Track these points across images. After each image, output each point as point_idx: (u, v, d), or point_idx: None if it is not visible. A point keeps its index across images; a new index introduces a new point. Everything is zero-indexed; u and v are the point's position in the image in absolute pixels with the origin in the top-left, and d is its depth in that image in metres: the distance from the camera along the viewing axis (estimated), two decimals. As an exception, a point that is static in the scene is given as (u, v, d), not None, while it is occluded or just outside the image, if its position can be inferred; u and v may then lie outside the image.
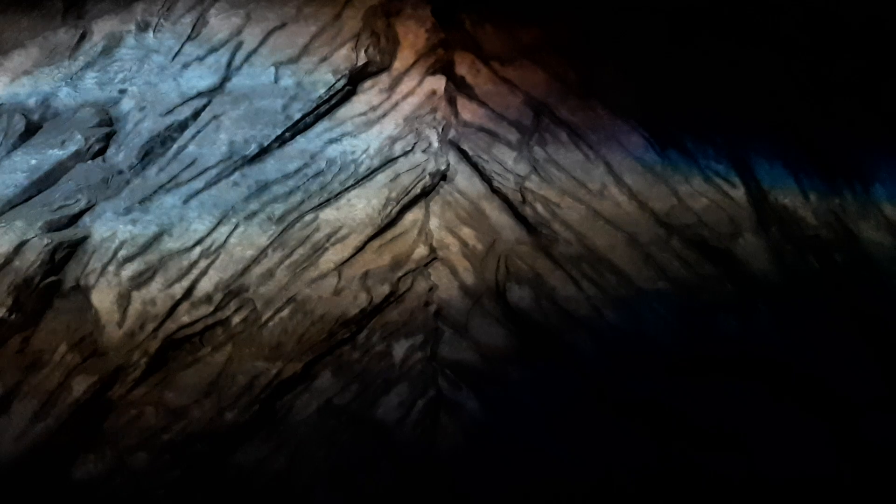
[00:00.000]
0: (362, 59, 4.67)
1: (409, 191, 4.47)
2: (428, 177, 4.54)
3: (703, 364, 4.02)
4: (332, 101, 4.63)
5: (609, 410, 3.95)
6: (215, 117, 4.45)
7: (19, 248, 3.71)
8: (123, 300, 3.82)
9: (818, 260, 4.41)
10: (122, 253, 3.92)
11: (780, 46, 5.16)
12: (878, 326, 4.15)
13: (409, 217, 4.47)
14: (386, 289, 4.19)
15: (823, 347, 4.05)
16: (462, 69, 4.99)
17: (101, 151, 4.34)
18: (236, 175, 4.30)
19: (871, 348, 4.07)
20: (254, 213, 4.19)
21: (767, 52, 5.14)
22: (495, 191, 4.60)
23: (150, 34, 4.77)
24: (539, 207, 4.51)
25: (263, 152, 4.40)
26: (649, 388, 3.95)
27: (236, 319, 3.98)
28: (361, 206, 4.36)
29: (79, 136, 4.28)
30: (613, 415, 3.91)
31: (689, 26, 5.20)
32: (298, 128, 4.52)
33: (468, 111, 4.83)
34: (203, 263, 4.01)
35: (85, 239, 3.95)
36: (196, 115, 4.48)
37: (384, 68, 4.81)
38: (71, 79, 4.62)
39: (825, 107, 5.06)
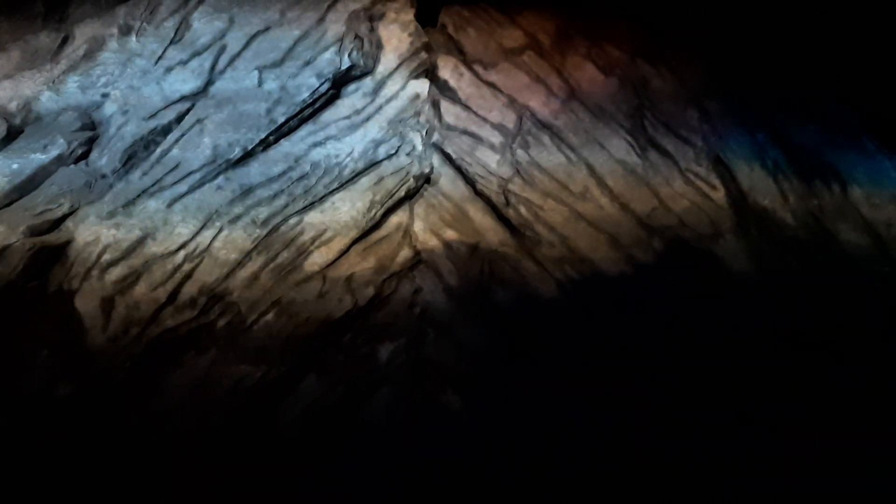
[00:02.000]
0: (346, 63, 4.68)
1: (394, 194, 4.48)
2: (412, 180, 4.56)
3: (685, 364, 4.06)
4: (316, 105, 4.64)
5: (592, 409, 3.97)
6: (199, 121, 4.45)
7: (1, 252, 3.69)
8: (107, 304, 3.81)
9: (797, 260, 4.46)
10: (106, 257, 3.91)
11: (759, 51, 5.23)
12: (857, 326, 4.20)
13: (394, 220, 4.49)
14: (370, 291, 4.19)
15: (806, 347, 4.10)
16: (445, 73, 5.02)
17: (84, 155, 4.34)
18: (220, 179, 4.30)
19: (852, 347, 4.12)
20: (238, 217, 4.19)
21: (746, 56, 5.21)
22: (479, 193, 4.63)
23: (133, 38, 4.76)
24: (522, 209, 4.54)
25: (247, 156, 4.40)
26: (632, 387, 3.98)
27: (221, 323, 3.97)
28: (346, 209, 4.37)
29: (61, 141, 4.27)
30: (597, 414, 3.93)
31: (667, 30, 5.27)
32: (282, 131, 4.53)
33: (451, 114, 4.86)
34: (187, 267, 4.00)
35: (68, 243, 3.94)
36: (179, 118, 4.48)
37: (368, 72, 4.83)
38: (53, 83, 4.61)
39: (803, 109, 5.13)
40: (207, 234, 4.10)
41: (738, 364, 4.00)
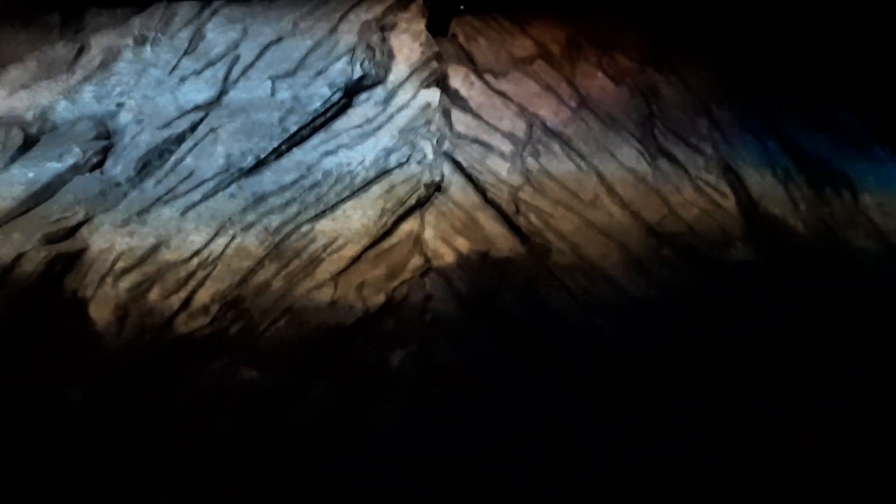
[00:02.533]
0: (358, 73, 4.72)
1: (405, 201, 4.49)
2: (423, 188, 4.57)
3: (695, 372, 4.04)
4: (328, 114, 4.67)
5: (602, 418, 3.96)
6: (212, 130, 4.49)
7: (17, 260, 3.73)
8: (121, 311, 3.83)
9: (808, 268, 4.45)
10: (120, 265, 3.93)
11: (768, 58, 5.24)
12: (868, 334, 4.17)
13: (405, 227, 4.49)
14: (381, 298, 4.19)
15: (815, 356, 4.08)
16: (456, 82, 5.05)
17: (99, 164, 4.38)
18: (233, 187, 4.33)
19: (863, 356, 4.09)
20: (251, 225, 4.21)
21: (755, 64, 5.22)
22: (489, 201, 4.63)
23: (148, 48, 4.82)
24: (532, 217, 4.54)
25: (260, 164, 4.43)
26: (642, 395, 3.97)
27: (233, 330, 3.99)
28: (357, 217, 4.38)
29: (77, 149, 4.31)
30: (606, 422, 3.92)
31: (677, 38, 5.29)
32: (295, 140, 4.56)
33: (462, 123, 4.88)
34: (200, 275, 4.02)
35: (83, 251, 3.96)
36: (193, 127, 4.52)
37: (379, 81, 4.86)
38: (69, 92, 4.66)
39: (814, 117, 5.13)
40: (220, 242, 4.12)
41: (749, 372, 3.99)
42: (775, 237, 4.56)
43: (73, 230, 4.05)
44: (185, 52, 4.78)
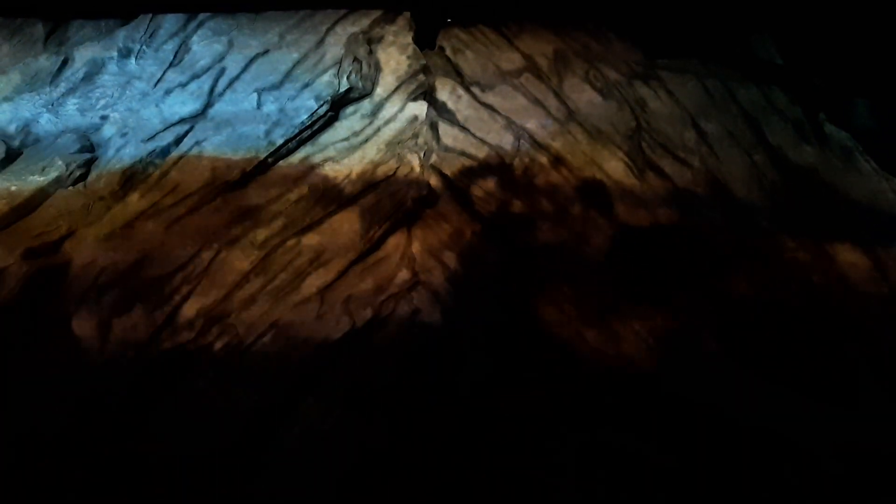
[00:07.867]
0: (344, 86, 4.71)
1: (392, 215, 4.48)
2: (410, 201, 4.55)
3: (681, 388, 4.04)
4: (315, 127, 4.66)
5: (594, 433, 3.95)
6: (198, 143, 4.46)
7: (-2, 275, 3.69)
8: (104, 327, 3.80)
9: (796, 281, 4.46)
10: (103, 280, 3.90)
11: (754, 72, 5.28)
12: (857, 346, 4.18)
13: (392, 241, 4.48)
14: (368, 313, 4.18)
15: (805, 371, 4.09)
16: (443, 95, 5.04)
17: (82, 178, 4.35)
18: (218, 200, 4.30)
19: (853, 370, 4.10)
20: (236, 239, 4.18)
21: (742, 78, 5.26)
22: (477, 215, 4.63)
23: (133, 60, 4.80)
24: (521, 232, 4.54)
25: (246, 177, 4.41)
26: (632, 409, 3.96)
27: (218, 345, 3.96)
28: (344, 231, 4.36)
29: (60, 163, 4.28)
30: (594, 438, 3.91)
31: (664, 52, 5.33)
32: (281, 153, 4.54)
33: (449, 136, 4.87)
34: (184, 290, 3.99)
35: (65, 266, 3.93)
36: (178, 140, 4.50)
37: (366, 94, 4.85)
38: (52, 105, 4.64)
39: (800, 130, 5.16)
40: (205, 256, 4.09)
41: (735, 393, 4.00)
42: (763, 251, 4.57)
43: (55, 245, 4.01)
44: (171, 65, 4.76)
